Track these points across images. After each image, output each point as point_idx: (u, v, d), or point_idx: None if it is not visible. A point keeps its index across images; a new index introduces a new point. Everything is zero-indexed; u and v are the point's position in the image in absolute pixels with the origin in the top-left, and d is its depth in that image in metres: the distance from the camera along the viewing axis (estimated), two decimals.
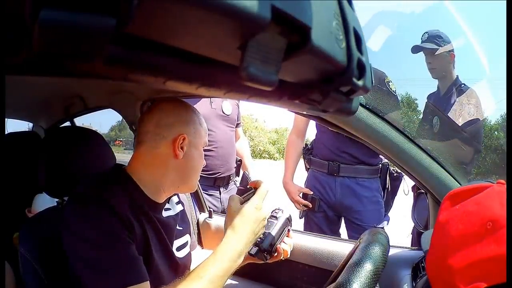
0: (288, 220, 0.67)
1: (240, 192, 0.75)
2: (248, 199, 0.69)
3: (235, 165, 1.67)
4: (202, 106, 1.54)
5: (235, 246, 0.63)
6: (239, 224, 0.65)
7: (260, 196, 0.68)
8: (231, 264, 0.62)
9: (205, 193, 1.58)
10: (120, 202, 0.61)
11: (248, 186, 0.73)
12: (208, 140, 1.54)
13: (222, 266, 0.61)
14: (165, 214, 0.74)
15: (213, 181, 1.57)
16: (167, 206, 0.76)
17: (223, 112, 1.57)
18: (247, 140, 1.87)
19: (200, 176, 1.57)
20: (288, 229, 0.71)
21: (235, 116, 1.65)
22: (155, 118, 0.68)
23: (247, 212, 0.66)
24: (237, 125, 1.73)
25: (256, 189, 0.71)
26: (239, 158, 1.75)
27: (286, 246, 0.73)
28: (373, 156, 1.42)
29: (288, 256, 0.74)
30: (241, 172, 1.76)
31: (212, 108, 1.55)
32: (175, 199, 0.84)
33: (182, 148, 0.68)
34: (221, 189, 1.61)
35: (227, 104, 1.59)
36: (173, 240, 0.74)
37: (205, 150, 1.55)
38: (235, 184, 1.70)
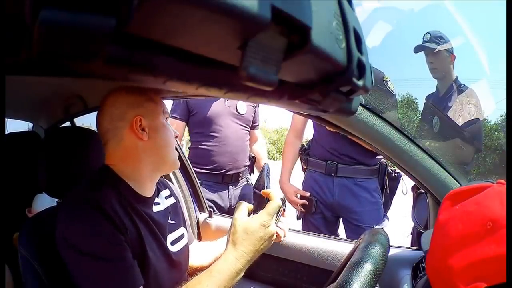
0: (282, 201, 0.66)
1: (256, 197, 0.73)
2: (257, 210, 0.66)
3: (246, 163, 1.65)
4: (216, 103, 1.54)
5: (233, 265, 0.60)
6: (241, 241, 0.61)
7: (269, 212, 0.63)
8: (227, 283, 0.59)
9: (212, 190, 1.57)
10: (112, 205, 0.61)
11: (261, 191, 0.69)
12: (217, 137, 1.56)
13: (217, 284, 0.59)
14: (155, 209, 0.74)
15: (221, 177, 1.56)
16: (156, 200, 0.76)
17: (237, 111, 1.57)
18: (265, 142, 1.83)
19: (207, 172, 1.58)
20: (284, 209, 0.70)
21: (250, 116, 1.63)
22: (105, 115, 0.68)
23: (252, 229, 0.62)
24: (254, 127, 1.71)
25: (267, 200, 0.67)
26: (252, 155, 1.72)
27: (282, 225, 0.72)
28: (370, 157, 1.41)
29: (285, 236, 0.73)
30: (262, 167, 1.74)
31: (226, 106, 1.55)
32: (165, 193, 0.83)
33: (143, 129, 0.67)
34: (230, 186, 1.60)
35: (242, 104, 1.58)
36: (166, 235, 0.74)
37: (212, 147, 1.57)
38: (247, 180, 1.68)
